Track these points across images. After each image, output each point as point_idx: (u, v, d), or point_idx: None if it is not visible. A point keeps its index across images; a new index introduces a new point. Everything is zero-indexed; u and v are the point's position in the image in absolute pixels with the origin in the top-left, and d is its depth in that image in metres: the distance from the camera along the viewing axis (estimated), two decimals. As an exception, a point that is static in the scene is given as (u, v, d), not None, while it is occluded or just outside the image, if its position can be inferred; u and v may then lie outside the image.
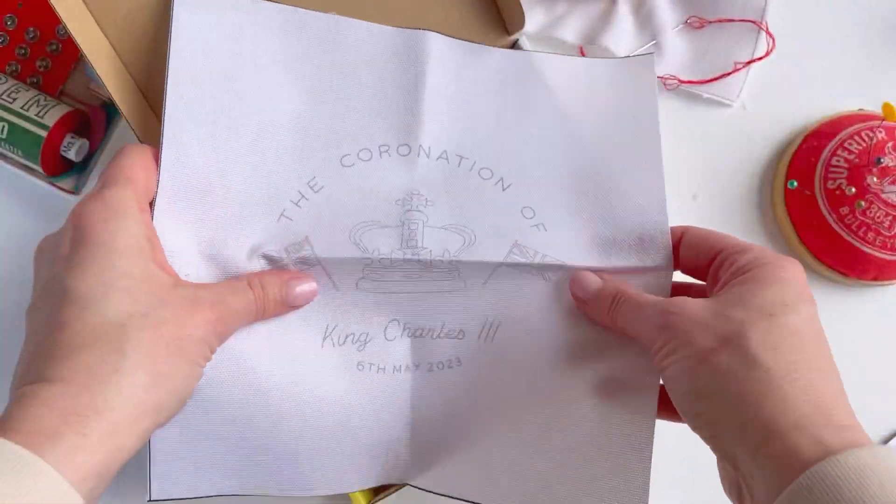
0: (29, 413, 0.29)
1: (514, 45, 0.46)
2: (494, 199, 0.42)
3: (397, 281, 0.42)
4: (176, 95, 0.39)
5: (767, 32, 0.50)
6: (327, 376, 0.41)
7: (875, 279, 0.48)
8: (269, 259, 0.40)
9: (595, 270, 0.41)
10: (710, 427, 0.33)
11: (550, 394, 0.41)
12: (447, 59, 0.43)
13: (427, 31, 0.43)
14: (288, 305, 0.39)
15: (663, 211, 0.42)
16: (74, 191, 0.47)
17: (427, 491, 0.42)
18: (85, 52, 0.39)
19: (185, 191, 0.39)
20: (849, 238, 0.47)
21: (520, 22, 0.43)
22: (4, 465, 0.27)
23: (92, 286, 0.32)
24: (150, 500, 0.39)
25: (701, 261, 0.38)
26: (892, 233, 0.47)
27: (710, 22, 0.50)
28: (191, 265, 0.39)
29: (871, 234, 0.47)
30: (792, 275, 0.34)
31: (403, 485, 0.44)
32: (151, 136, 0.43)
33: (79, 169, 0.47)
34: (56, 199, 0.47)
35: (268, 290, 0.38)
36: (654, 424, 0.39)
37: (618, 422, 0.40)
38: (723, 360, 0.31)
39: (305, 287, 0.39)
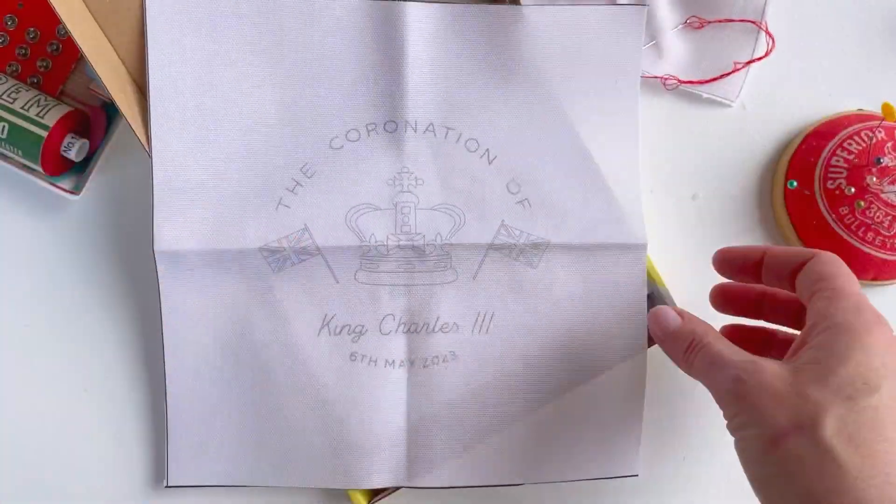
0: None
1: None
2: (481, 173, 0.43)
3: (392, 272, 0.43)
4: (160, 108, 0.41)
5: (767, 32, 0.50)
6: (321, 366, 0.43)
7: (874, 279, 0.48)
8: (271, 251, 0.41)
9: (576, 247, 0.43)
10: None
11: (547, 376, 0.43)
12: (427, 27, 0.43)
13: (403, 2, 0.42)
14: None
15: (636, 186, 0.44)
16: (74, 191, 0.47)
17: (428, 489, 0.43)
18: (85, 51, 0.39)
19: (182, 197, 0.41)
20: (848, 238, 0.47)
21: None
22: None
23: None
24: (167, 486, 0.43)
25: (779, 269, 0.37)
26: (892, 233, 0.46)
27: (710, 22, 0.50)
28: (195, 266, 0.41)
29: (870, 234, 0.47)
30: (875, 339, 0.31)
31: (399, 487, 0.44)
32: (150, 135, 0.43)
33: (79, 169, 0.47)
34: (56, 199, 0.47)
35: None
36: (643, 400, 0.44)
37: (609, 399, 0.43)
38: (794, 446, 0.29)
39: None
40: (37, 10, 0.47)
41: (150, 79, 0.41)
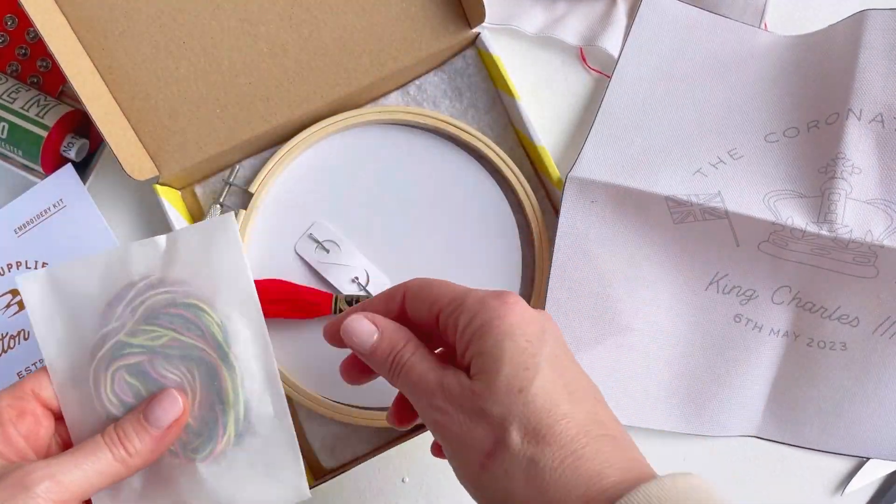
0: None
1: (476, 39, 0.46)
2: None
3: (803, 252, 0.41)
4: (617, 89, 0.44)
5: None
6: (702, 319, 0.43)
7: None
8: (677, 202, 0.41)
9: None
10: None
11: None
12: (885, 27, 0.41)
13: (866, 11, 0.41)
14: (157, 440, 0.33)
15: None
16: (74, 191, 0.47)
17: (774, 441, 0.45)
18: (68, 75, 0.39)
19: (616, 127, 0.44)
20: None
21: (481, 15, 0.43)
22: None
23: None
24: None
25: (425, 320, 0.34)
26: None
27: (711, 23, 0.50)
28: (598, 198, 0.42)
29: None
30: (514, 318, 0.31)
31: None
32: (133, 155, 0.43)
33: (79, 169, 0.47)
34: (56, 198, 0.47)
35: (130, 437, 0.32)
36: None
37: None
38: (498, 465, 0.30)
39: (165, 404, 0.33)
40: (37, 10, 0.47)
41: (619, 60, 0.45)
